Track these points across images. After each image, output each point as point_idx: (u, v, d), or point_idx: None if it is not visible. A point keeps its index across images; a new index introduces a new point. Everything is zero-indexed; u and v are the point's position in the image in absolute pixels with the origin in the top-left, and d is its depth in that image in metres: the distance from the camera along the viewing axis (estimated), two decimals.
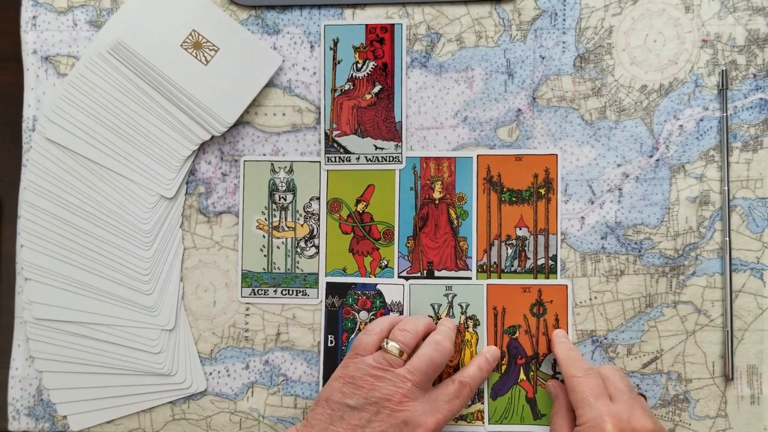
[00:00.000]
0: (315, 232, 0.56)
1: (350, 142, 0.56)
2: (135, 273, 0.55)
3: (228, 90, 0.55)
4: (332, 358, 0.55)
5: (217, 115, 0.54)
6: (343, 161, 0.56)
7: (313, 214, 0.56)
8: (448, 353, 0.51)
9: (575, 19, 0.55)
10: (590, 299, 0.55)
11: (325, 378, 0.55)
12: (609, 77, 0.55)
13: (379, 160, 0.56)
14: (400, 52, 0.56)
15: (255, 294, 0.56)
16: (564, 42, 0.55)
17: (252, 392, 0.56)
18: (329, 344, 0.55)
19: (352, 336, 0.55)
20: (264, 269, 0.56)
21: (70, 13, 0.56)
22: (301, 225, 0.56)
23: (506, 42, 0.56)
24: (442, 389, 0.51)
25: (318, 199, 0.56)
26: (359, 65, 0.56)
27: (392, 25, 0.56)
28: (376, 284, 0.56)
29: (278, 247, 0.56)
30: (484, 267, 0.55)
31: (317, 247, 0.56)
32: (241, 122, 0.56)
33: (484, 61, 0.56)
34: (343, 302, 0.56)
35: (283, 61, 0.56)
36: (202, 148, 0.56)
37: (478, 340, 0.55)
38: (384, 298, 0.55)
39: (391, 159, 0.56)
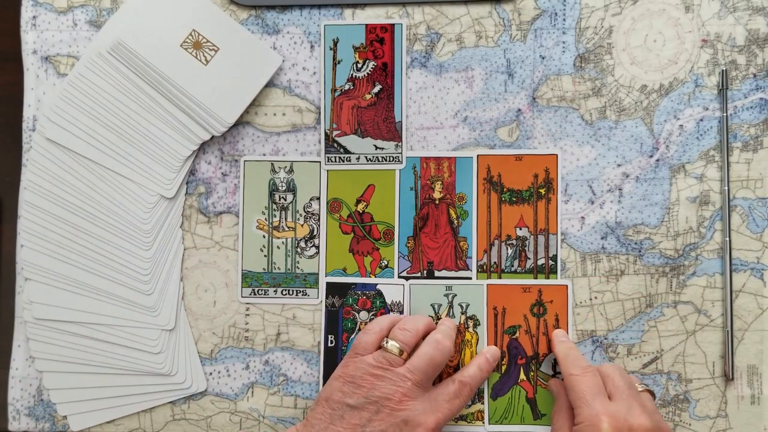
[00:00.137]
0: (315, 232, 0.56)
1: (350, 142, 0.56)
2: (135, 273, 0.55)
3: (228, 90, 0.55)
4: (332, 358, 0.55)
5: (217, 115, 0.54)
6: (343, 161, 0.56)
7: (313, 214, 0.56)
8: (449, 352, 0.51)
9: (575, 19, 0.55)
10: (590, 299, 0.55)
11: (326, 378, 0.55)
12: (609, 77, 0.55)
13: (379, 160, 0.56)
14: (400, 52, 0.56)
15: (255, 294, 0.56)
16: (564, 42, 0.55)
17: (252, 392, 0.56)
18: (329, 344, 0.55)
19: (352, 336, 0.55)
20: (264, 269, 0.56)
21: (70, 13, 0.56)
22: (301, 225, 0.56)
23: (506, 42, 0.56)
24: (443, 389, 0.51)
25: (318, 199, 0.56)
26: (359, 65, 0.56)
27: (392, 25, 0.56)
28: (376, 284, 0.55)
29: (278, 247, 0.56)
30: (485, 267, 0.55)
31: (317, 247, 0.56)
32: (241, 122, 0.56)
33: (484, 61, 0.56)
34: (343, 302, 0.56)
35: (283, 61, 0.56)
36: (202, 148, 0.56)
37: (478, 340, 0.55)
38: (384, 298, 0.55)
39: (391, 159, 0.56)
